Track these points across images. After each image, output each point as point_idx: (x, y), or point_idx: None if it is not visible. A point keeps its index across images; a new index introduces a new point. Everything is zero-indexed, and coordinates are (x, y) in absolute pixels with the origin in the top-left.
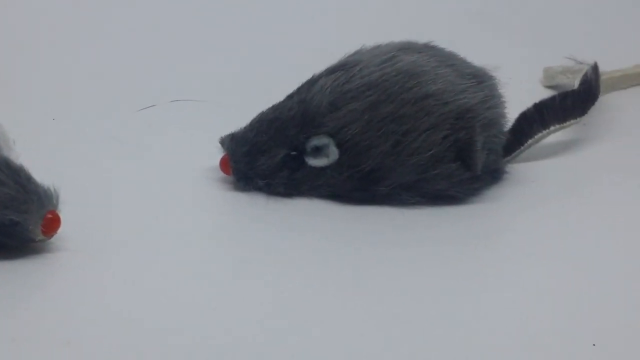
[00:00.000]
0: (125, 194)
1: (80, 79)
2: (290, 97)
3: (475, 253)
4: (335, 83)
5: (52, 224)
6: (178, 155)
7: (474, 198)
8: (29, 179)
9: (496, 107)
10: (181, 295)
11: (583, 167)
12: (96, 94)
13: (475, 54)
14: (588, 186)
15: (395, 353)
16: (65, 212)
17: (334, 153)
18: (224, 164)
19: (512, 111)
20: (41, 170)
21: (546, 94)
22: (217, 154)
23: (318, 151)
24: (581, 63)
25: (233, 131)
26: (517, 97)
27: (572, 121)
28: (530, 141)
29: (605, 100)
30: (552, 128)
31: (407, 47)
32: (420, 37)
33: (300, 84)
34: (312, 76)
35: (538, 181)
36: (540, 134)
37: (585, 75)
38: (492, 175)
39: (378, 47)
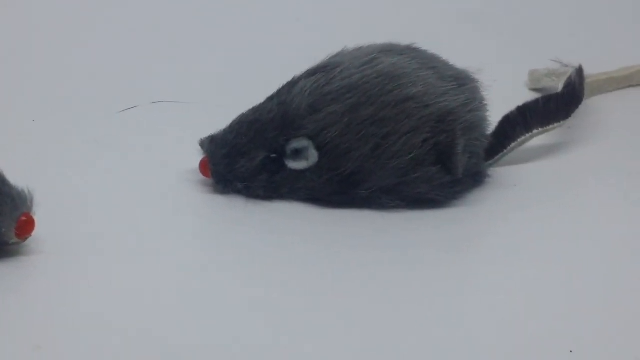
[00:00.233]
0: (103, 196)
1: (61, 80)
2: (270, 99)
3: (455, 257)
4: (315, 85)
5: (26, 226)
6: (158, 157)
7: (455, 202)
8: (2, 181)
9: (478, 110)
10: (157, 298)
11: (566, 170)
12: (77, 96)
13: (460, 56)
14: (571, 190)
15: (373, 356)
16: (40, 215)
17: (313, 156)
18: (203, 167)
19: (497, 114)
20: (18, 173)
21: (531, 96)
22: (197, 156)
23: (298, 154)
24: (567, 66)
25: (213, 133)
26: (502, 100)
27: (555, 124)
28: (513, 144)
29: (591, 103)
30: (535, 131)
31: (389, 49)
32: (406, 38)
33: (281, 86)
34: (293, 78)
35: (520, 185)
36: (523, 137)
37: (570, 78)
38: (474, 179)
39: (360, 48)
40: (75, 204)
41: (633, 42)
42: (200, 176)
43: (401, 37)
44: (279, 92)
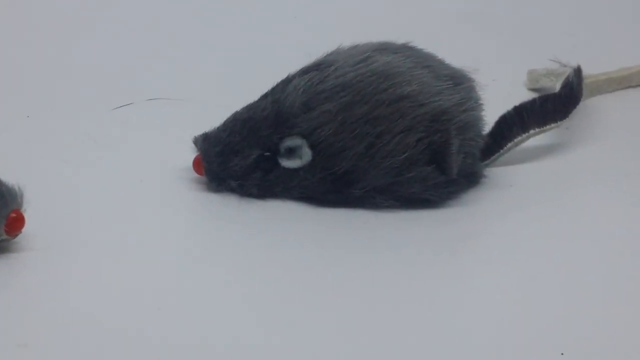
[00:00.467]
0: (95, 192)
1: (56, 76)
2: (264, 96)
3: (449, 257)
4: (309, 83)
5: (16, 223)
6: (152, 154)
7: (449, 202)
8: None
9: (473, 110)
10: (148, 297)
11: (563, 171)
12: (73, 91)
13: (459, 55)
14: (568, 191)
15: (366, 355)
16: (31, 211)
17: (307, 154)
18: (196, 164)
19: (495, 113)
20: (11, 169)
21: (530, 96)
22: (191, 153)
23: (291, 152)
24: (565, 66)
25: (207, 131)
26: (500, 100)
27: (552, 125)
28: (509, 145)
29: (590, 104)
30: (532, 131)
31: (384, 48)
32: (404, 37)
33: (275, 84)
34: (287, 76)
35: (516, 185)
36: (520, 138)
37: (568, 78)
38: (469, 179)
39: (355, 47)
40: (67, 200)
41: (633, 43)
42: (194, 174)
43: (400, 36)
44: (273, 90)
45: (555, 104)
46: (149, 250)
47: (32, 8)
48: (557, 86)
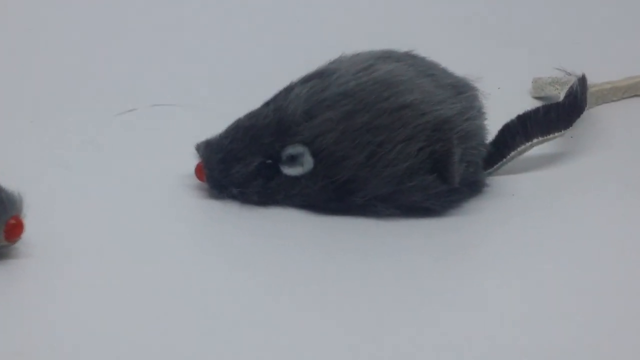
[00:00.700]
0: (96, 199)
1: (60, 81)
2: (266, 104)
3: (450, 266)
4: (311, 91)
5: (15, 229)
6: (155, 160)
7: (451, 211)
8: None
9: (475, 119)
10: (148, 304)
11: (566, 180)
12: (76, 97)
13: (464, 63)
14: (570, 201)
15: None
16: (31, 217)
17: (308, 162)
18: (198, 171)
19: (500, 122)
20: (12, 174)
21: (534, 105)
22: (193, 160)
23: (293, 160)
24: (570, 74)
25: (209, 138)
26: (505, 108)
27: (556, 134)
28: (512, 153)
29: (595, 113)
30: (535, 140)
31: (387, 56)
32: (409, 45)
33: (278, 91)
34: (290, 83)
35: (519, 194)
36: (523, 147)
37: (572, 87)
38: (471, 188)
39: (358, 55)
40: (68, 207)
41: (638, 51)
42: (196, 181)
43: (403, 44)
44: (275, 98)
45: (559, 113)
46: (149, 257)
47: (36, 13)
48: (561, 95)
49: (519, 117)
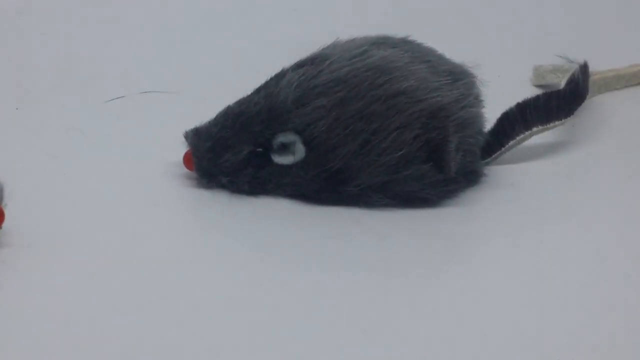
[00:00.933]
0: (82, 187)
1: (47, 67)
2: (257, 91)
3: (446, 257)
4: (302, 78)
5: None
6: (143, 148)
7: (447, 201)
8: None
9: (472, 107)
10: (133, 294)
11: (566, 171)
12: (63, 84)
13: (464, 50)
14: (569, 191)
15: (359, 355)
16: (13, 207)
17: (300, 151)
18: (187, 160)
19: (500, 110)
20: None
21: (535, 93)
22: (182, 148)
23: (284, 148)
24: (572, 62)
25: (197, 125)
26: (505, 96)
27: (556, 122)
28: (511, 142)
29: (598, 101)
30: (535, 129)
31: (382, 42)
32: (408, 31)
33: (269, 78)
34: (281, 70)
35: (517, 185)
36: (522, 135)
37: (573, 75)
38: (468, 178)
39: (352, 40)
40: (52, 196)
41: None
42: (184, 169)
43: (403, 30)
44: (266, 85)
45: (559, 101)
46: (135, 247)
47: (23, 1)
48: (562, 83)
49: (519, 105)
